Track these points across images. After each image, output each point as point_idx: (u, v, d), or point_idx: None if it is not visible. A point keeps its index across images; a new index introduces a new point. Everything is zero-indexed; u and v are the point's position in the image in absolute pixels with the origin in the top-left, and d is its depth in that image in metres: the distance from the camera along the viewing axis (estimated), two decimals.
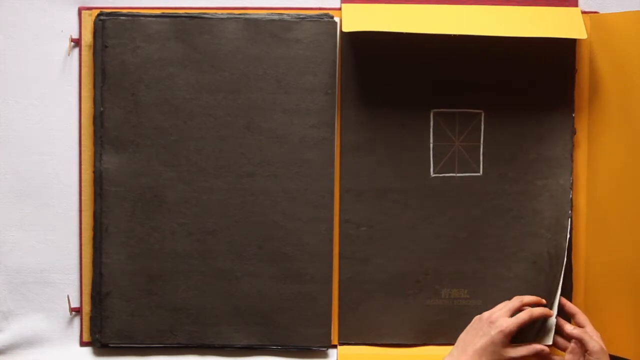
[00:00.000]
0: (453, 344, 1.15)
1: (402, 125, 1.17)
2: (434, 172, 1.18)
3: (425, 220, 1.18)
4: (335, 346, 1.19)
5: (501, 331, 1.06)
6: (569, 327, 1.12)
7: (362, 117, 1.17)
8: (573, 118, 1.18)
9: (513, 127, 1.18)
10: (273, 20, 1.16)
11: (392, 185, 1.18)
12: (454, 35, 1.11)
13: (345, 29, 1.13)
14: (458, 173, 1.18)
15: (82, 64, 1.17)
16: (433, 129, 1.18)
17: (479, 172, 1.18)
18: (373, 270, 1.18)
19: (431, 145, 1.18)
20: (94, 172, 1.17)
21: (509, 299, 1.14)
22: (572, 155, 1.19)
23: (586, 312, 1.18)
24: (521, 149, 1.18)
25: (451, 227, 1.18)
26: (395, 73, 1.17)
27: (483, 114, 1.18)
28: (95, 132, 1.17)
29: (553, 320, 1.12)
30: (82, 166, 1.18)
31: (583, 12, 1.17)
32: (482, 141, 1.18)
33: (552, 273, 1.18)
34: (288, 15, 1.17)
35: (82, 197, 1.18)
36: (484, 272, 1.19)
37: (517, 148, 1.18)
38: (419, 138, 1.18)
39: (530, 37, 1.13)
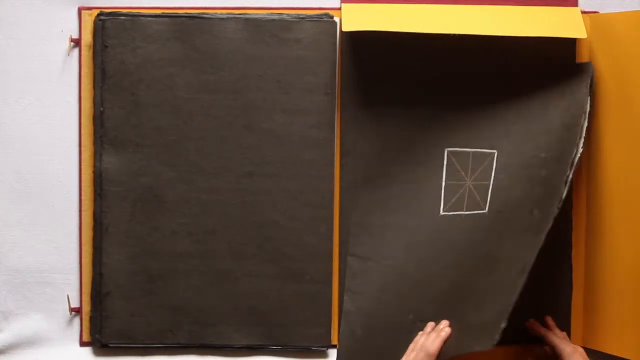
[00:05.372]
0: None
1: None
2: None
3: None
4: (335, 346, 1.19)
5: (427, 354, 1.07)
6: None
7: (363, 118, 1.17)
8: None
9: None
10: (273, 20, 1.16)
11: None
12: (454, 35, 1.11)
13: (345, 29, 1.13)
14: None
15: (82, 64, 1.17)
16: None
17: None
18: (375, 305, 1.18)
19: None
20: (94, 172, 1.17)
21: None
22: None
23: (586, 312, 1.18)
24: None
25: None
26: (395, 73, 1.17)
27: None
28: (95, 132, 1.17)
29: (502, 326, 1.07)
30: (82, 166, 1.18)
31: (583, 12, 1.17)
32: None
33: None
34: (288, 15, 1.17)
35: (82, 197, 1.18)
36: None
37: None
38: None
39: (530, 37, 1.13)
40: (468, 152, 1.17)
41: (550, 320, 1.18)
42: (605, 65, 1.17)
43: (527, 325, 1.16)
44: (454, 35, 1.11)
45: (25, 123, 1.17)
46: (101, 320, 1.17)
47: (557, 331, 1.17)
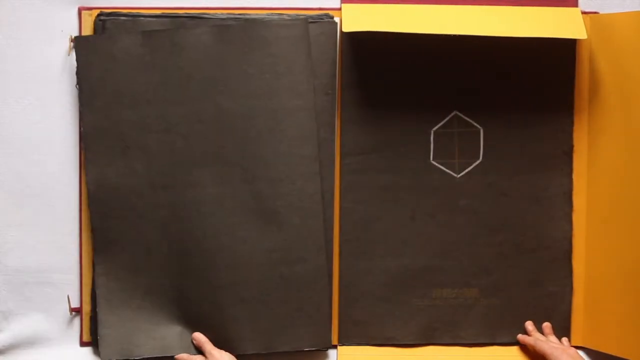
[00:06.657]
0: (455, 344, 1.16)
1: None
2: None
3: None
4: (335, 346, 1.19)
5: None
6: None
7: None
8: (573, 118, 1.19)
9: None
10: (273, 20, 1.16)
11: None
12: (454, 36, 1.11)
13: (345, 29, 1.12)
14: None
15: None
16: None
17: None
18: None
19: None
20: None
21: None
22: (572, 155, 1.19)
23: (586, 312, 1.18)
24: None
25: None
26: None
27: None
28: None
29: None
30: (82, 166, 1.17)
31: (583, 12, 1.17)
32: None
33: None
34: (288, 15, 1.17)
35: (82, 197, 1.18)
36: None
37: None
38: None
39: (530, 38, 1.13)
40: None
41: (547, 328, 1.18)
42: (605, 65, 1.17)
43: (518, 339, 1.19)
44: (454, 35, 1.11)
45: (25, 123, 1.17)
46: None
47: (551, 337, 1.17)
